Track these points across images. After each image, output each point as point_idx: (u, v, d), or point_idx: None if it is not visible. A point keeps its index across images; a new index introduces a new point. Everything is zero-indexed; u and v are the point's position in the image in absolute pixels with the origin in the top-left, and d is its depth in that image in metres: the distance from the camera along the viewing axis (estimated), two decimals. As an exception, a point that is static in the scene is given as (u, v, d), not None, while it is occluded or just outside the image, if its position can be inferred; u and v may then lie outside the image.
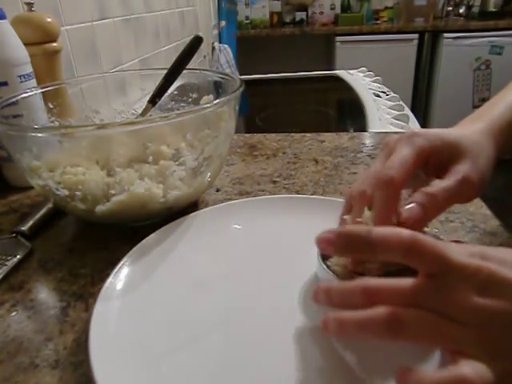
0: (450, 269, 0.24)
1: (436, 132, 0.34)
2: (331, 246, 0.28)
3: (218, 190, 0.54)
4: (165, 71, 0.55)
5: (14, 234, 0.45)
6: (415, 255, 0.25)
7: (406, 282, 0.25)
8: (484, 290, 0.23)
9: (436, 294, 0.24)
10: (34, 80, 0.55)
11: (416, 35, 2.70)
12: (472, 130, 0.35)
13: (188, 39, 0.55)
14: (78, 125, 0.52)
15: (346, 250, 0.28)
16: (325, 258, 0.34)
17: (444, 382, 0.21)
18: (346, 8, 3.03)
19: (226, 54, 1.92)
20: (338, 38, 2.74)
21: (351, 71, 1.48)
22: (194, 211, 0.45)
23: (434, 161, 0.34)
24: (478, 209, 0.47)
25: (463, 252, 0.25)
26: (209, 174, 0.47)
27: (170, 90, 0.56)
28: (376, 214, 0.31)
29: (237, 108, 0.46)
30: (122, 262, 0.37)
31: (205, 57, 1.80)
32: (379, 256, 0.26)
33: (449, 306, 0.24)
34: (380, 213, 0.31)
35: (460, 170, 0.32)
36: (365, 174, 0.35)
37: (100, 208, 0.41)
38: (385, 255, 0.26)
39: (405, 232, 0.25)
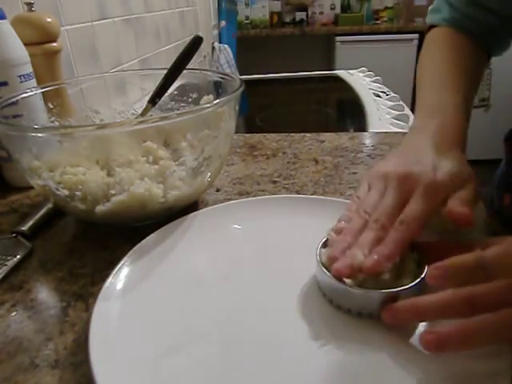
0: None
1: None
2: (446, 281, 0.28)
3: (217, 190, 0.54)
4: (165, 71, 0.55)
5: (14, 234, 0.45)
6: None
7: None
8: None
9: None
10: (34, 80, 0.55)
11: (416, 35, 2.70)
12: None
13: (188, 39, 0.55)
14: (77, 125, 0.52)
15: (461, 282, 0.27)
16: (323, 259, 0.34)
17: None
18: (346, 8, 3.03)
19: (226, 54, 1.92)
20: (338, 38, 2.74)
21: (351, 71, 1.48)
22: (194, 211, 0.45)
23: None
24: (478, 209, 0.47)
25: None
26: (209, 173, 0.47)
27: (170, 90, 0.56)
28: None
29: (237, 108, 0.46)
30: (121, 262, 0.37)
31: (205, 57, 1.80)
32: (499, 277, 0.26)
33: None
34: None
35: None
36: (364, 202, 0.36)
37: (100, 208, 0.41)
38: (504, 274, 0.26)
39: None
